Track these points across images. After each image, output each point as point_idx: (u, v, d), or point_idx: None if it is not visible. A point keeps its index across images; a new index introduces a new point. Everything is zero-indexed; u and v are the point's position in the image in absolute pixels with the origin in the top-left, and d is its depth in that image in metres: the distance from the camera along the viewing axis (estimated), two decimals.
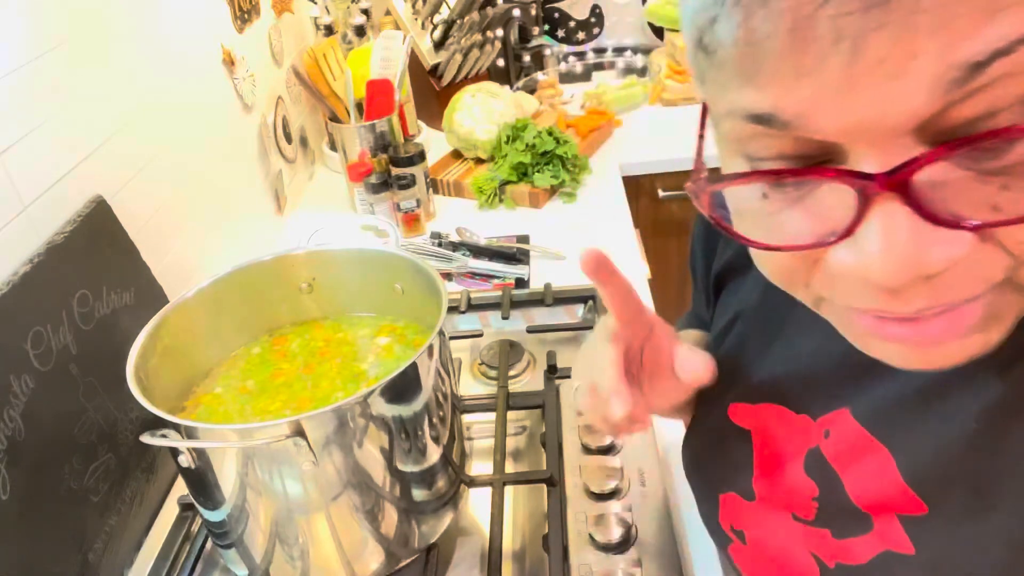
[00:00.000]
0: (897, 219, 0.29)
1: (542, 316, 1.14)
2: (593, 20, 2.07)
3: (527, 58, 1.90)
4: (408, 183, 1.37)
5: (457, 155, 1.63)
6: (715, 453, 0.58)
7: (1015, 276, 0.32)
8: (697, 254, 0.64)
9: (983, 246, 0.30)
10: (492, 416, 0.91)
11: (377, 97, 1.44)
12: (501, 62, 1.87)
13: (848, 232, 0.30)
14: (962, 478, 0.42)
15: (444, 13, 1.83)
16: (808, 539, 0.50)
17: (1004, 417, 0.40)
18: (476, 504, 0.84)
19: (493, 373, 1.02)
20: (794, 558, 0.51)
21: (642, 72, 1.93)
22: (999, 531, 0.41)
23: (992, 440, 0.40)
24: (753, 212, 0.35)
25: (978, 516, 0.42)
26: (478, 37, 1.78)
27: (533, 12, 1.87)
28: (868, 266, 0.30)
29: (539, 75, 1.87)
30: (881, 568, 0.47)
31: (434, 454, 0.72)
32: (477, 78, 1.80)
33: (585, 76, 1.98)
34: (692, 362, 0.52)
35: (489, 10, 1.81)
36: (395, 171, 1.37)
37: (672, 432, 0.91)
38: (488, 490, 0.81)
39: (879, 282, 0.30)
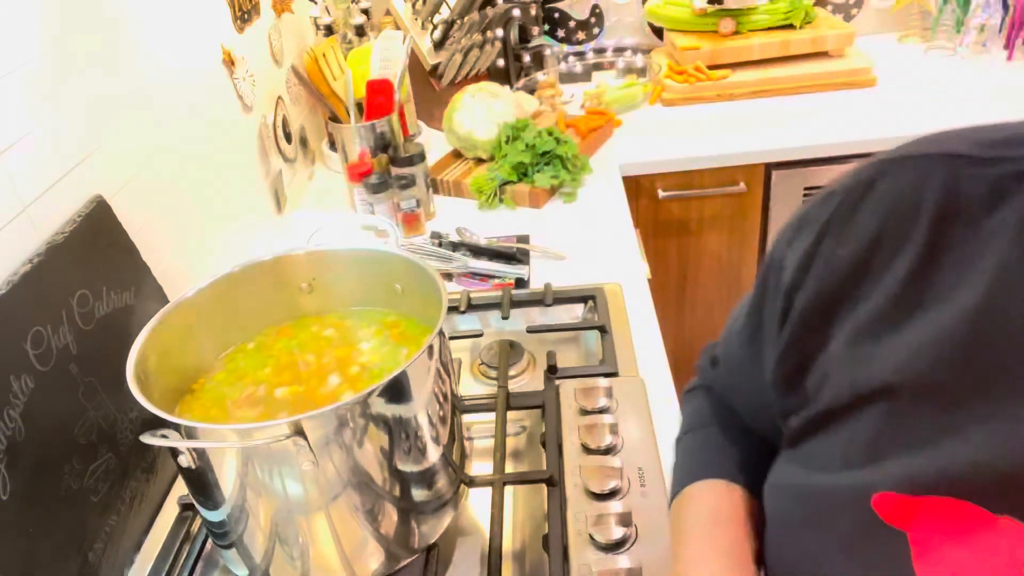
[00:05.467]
0: None
1: (542, 316, 1.14)
2: (593, 20, 2.07)
3: (527, 58, 1.90)
4: (408, 183, 1.37)
5: (457, 155, 1.63)
6: (854, 561, 0.44)
7: None
8: (786, 269, 0.49)
9: None
10: (492, 416, 0.91)
11: (377, 97, 1.44)
12: (501, 62, 1.87)
13: None
14: None
15: (444, 13, 1.83)
16: None
17: None
18: (476, 504, 0.84)
19: (493, 373, 1.02)
20: None
21: (642, 72, 1.93)
22: None
23: None
24: None
25: None
26: (478, 37, 1.78)
27: (533, 12, 1.87)
28: None
29: (539, 75, 1.87)
30: None
31: (434, 454, 0.72)
32: (477, 78, 1.80)
33: (585, 76, 1.98)
34: None
35: (489, 10, 1.81)
36: (395, 171, 1.37)
37: (672, 432, 0.91)
38: (488, 490, 0.81)
39: None
